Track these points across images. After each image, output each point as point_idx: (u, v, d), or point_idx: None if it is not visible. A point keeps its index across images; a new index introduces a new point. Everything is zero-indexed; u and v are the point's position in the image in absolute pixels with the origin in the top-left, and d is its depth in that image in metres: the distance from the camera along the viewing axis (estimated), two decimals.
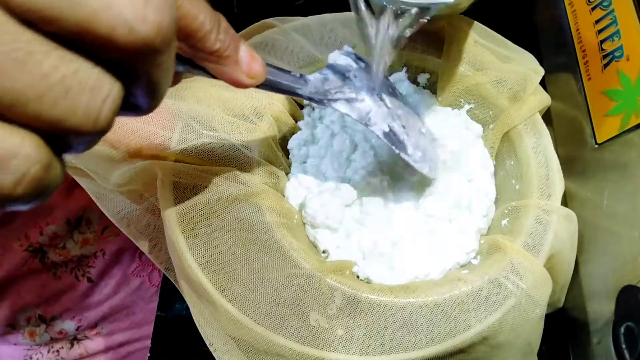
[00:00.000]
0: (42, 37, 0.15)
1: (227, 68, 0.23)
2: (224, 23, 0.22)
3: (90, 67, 0.15)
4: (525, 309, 0.33)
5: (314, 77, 0.32)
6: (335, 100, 0.32)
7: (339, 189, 0.39)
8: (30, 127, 0.15)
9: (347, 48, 0.37)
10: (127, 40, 0.15)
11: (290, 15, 0.44)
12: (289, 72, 0.30)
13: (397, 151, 0.35)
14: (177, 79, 0.25)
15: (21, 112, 0.15)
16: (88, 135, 0.16)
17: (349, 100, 0.33)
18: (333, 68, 0.33)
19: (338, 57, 0.35)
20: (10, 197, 0.15)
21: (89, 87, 0.15)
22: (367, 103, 0.33)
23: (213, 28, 0.21)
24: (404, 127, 0.35)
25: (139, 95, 0.18)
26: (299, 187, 0.40)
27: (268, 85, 0.28)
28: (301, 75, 0.31)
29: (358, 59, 0.35)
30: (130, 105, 0.18)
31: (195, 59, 0.23)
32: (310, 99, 0.32)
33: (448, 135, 0.41)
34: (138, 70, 0.17)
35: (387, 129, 0.34)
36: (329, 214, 0.37)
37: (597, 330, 0.36)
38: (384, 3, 0.32)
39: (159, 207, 0.36)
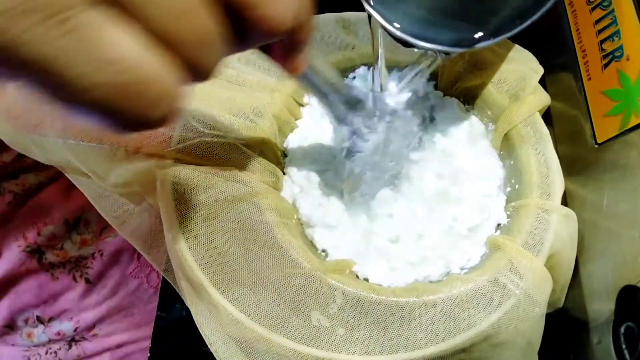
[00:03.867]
0: None
1: (293, 55, 0.24)
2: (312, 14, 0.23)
3: (216, 21, 0.17)
4: (525, 309, 0.33)
5: (354, 92, 0.32)
6: (349, 124, 0.33)
7: (335, 188, 0.39)
8: (174, 49, 0.16)
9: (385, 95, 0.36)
10: (267, 23, 0.18)
11: None
12: (342, 80, 0.32)
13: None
14: None
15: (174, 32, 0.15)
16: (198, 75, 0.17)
17: (356, 132, 0.34)
18: (381, 99, 0.34)
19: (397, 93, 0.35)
20: (146, 123, 0.16)
21: (213, 39, 0.17)
22: (366, 145, 0.34)
23: (310, 18, 0.22)
24: (374, 177, 0.37)
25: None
26: (295, 186, 0.40)
27: (308, 82, 0.30)
28: (345, 85, 0.32)
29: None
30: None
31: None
32: (330, 106, 0.32)
33: (455, 134, 0.41)
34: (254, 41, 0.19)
35: (357, 172, 0.36)
36: (326, 212, 0.37)
37: (597, 330, 0.36)
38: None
39: (158, 208, 0.36)
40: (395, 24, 0.33)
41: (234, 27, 0.18)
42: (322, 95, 0.31)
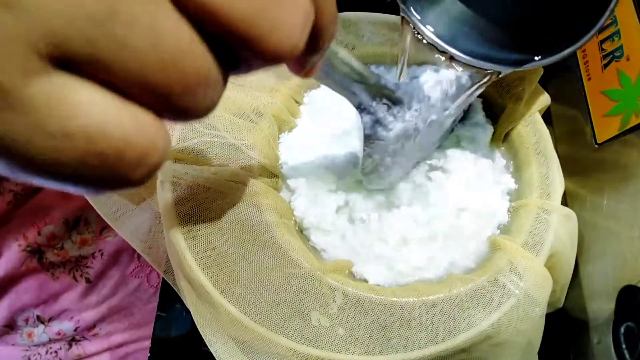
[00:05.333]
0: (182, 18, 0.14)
1: (306, 63, 0.21)
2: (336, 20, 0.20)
3: (212, 57, 0.15)
4: (525, 309, 0.33)
5: (383, 82, 0.31)
6: (372, 113, 0.32)
7: (330, 191, 0.38)
8: (147, 104, 0.14)
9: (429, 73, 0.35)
10: (272, 54, 0.15)
11: None
12: (369, 71, 0.30)
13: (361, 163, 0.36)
14: None
15: (143, 83, 0.13)
16: (190, 119, 0.15)
17: (379, 120, 0.32)
18: (413, 86, 0.33)
19: (433, 79, 0.34)
20: (129, 183, 0.14)
21: (211, 78, 0.15)
22: (388, 134, 0.33)
23: (331, 24, 0.19)
24: (395, 161, 0.35)
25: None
26: (291, 187, 0.39)
27: (326, 78, 0.29)
28: (378, 78, 0.31)
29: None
30: None
31: None
32: (351, 96, 0.31)
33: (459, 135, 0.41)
34: (249, 67, 0.17)
35: (375, 160, 0.34)
36: (319, 216, 0.37)
37: (597, 330, 0.36)
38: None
39: (157, 208, 0.36)
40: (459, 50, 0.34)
41: (232, 58, 0.15)
42: (342, 89, 0.30)
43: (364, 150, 0.34)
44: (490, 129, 0.41)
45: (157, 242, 0.40)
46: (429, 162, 0.40)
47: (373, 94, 0.31)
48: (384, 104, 0.32)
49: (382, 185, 0.39)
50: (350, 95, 0.31)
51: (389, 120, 0.32)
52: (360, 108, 0.32)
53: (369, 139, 0.33)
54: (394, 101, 0.32)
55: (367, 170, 0.36)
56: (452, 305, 0.33)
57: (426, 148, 0.38)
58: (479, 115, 0.42)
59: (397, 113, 0.32)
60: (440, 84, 0.34)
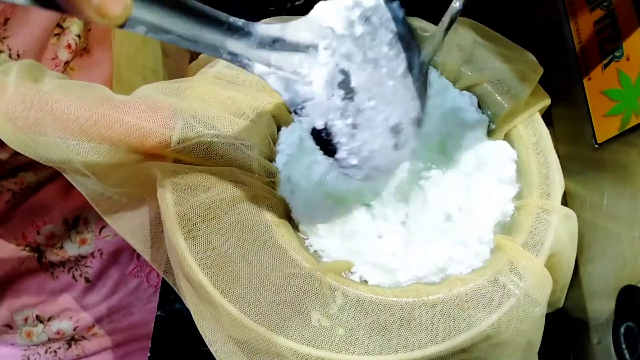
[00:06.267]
0: None
1: None
2: None
3: None
4: (525, 309, 0.33)
5: (263, 31, 0.25)
6: (269, 72, 0.25)
7: (325, 191, 0.38)
8: None
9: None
10: None
11: (290, 15, 0.44)
12: (219, 17, 0.23)
13: (320, 151, 0.29)
14: None
15: None
16: None
17: (289, 78, 0.26)
18: (305, 24, 0.26)
19: (330, 9, 0.26)
20: None
21: None
22: (312, 89, 0.26)
23: None
24: (354, 125, 0.28)
25: None
26: (288, 185, 0.39)
27: (161, 31, 0.21)
28: (243, 24, 0.24)
29: (367, 17, 0.27)
30: None
31: None
32: (233, 58, 0.24)
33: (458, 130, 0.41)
34: None
35: (319, 126, 0.27)
36: (314, 218, 0.37)
37: (597, 330, 0.36)
38: None
39: (158, 208, 0.36)
40: None
41: None
42: (211, 48, 0.23)
43: (301, 123, 0.27)
44: (485, 122, 0.41)
45: (157, 242, 0.40)
46: (426, 163, 0.40)
47: (264, 47, 0.25)
48: (284, 56, 0.25)
49: (379, 170, 0.32)
50: (234, 58, 0.24)
51: (302, 73, 0.26)
52: (263, 72, 0.25)
53: (295, 105, 0.26)
54: (293, 47, 0.26)
55: (330, 149, 0.29)
56: (452, 305, 0.33)
57: (391, 100, 0.30)
58: (473, 111, 0.42)
59: (307, 59, 0.26)
60: (339, 11, 0.27)
